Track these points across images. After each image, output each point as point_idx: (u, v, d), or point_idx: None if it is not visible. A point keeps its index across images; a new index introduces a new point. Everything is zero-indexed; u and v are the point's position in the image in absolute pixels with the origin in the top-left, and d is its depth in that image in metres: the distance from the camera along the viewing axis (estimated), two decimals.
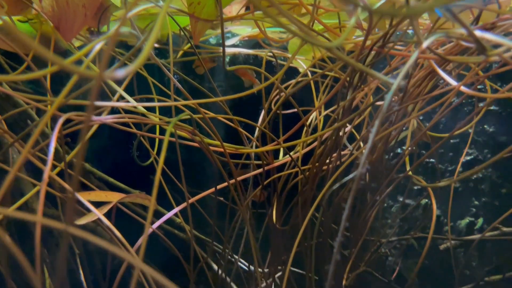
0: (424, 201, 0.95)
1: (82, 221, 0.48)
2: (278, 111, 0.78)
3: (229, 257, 0.79)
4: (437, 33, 0.39)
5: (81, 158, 0.31)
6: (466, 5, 0.47)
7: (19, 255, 0.25)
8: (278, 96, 0.81)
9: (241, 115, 0.73)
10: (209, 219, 0.86)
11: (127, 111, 0.62)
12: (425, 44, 0.37)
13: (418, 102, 0.67)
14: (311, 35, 0.38)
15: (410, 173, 0.67)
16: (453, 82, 0.50)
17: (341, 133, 0.67)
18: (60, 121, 0.46)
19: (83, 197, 0.50)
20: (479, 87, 0.87)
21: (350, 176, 0.60)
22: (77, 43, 0.84)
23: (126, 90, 0.69)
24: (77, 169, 0.24)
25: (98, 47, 0.42)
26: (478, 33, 0.36)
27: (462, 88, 0.50)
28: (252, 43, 1.06)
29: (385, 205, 1.01)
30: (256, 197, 0.79)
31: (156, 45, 0.81)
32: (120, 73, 0.28)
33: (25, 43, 0.23)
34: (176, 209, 0.65)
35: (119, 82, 0.71)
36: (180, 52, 0.86)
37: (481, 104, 0.82)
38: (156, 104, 0.62)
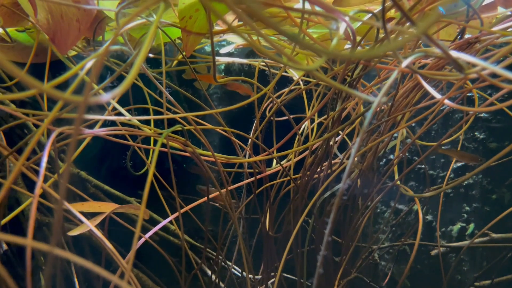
0: (416, 206, 0.96)
1: (74, 232, 0.49)
2: (272, 118, 0.79)
3: (223, 263, 0.80)
4: (416, 53, 0.41)
5: (68, 171, 0.32)
6: (448, 21, 0.48)
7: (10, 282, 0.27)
8: (271, 105, 0.82)
9: (236, 123, 0.74)
10: (202, 227, 0.87)
11: (122, 123, 0.63)
12: (404, 63, 0.38)
13: (407, 112, 0.68)
14: (293, 59, 0.39)
15: (398, 182, 0.68)
16: (437, 95, 0.51)
17: (331, 143, 0.68)
18: (53, 135, 0.47)
19: (76, 208, 0.52)
20: (469, 94, 0.88)
21: (338, 186, 0.61)
22: (73, 53, 0.85)
23: (121, 99, 0.70)
24: (64, 180, 0.25)
25: (89, 65, 0.44)
26: (454, 53, 0.37)
27: (446, 102, 0.51)
28: (247, 50, 1.07)
29: (378, 210, 1.02)
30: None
31: (151, 55, 0.82)
32: (105, 98, 0.30)
33: (11, 69, 0.24)
34: (169, 218, 0.67)
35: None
36: (175, 62, 0.87)
37: (470, 112, 0.83)
38: (148, 117, 0.63)
